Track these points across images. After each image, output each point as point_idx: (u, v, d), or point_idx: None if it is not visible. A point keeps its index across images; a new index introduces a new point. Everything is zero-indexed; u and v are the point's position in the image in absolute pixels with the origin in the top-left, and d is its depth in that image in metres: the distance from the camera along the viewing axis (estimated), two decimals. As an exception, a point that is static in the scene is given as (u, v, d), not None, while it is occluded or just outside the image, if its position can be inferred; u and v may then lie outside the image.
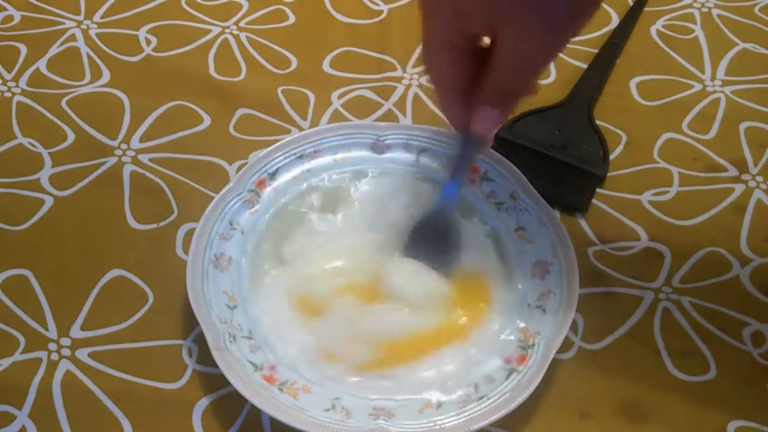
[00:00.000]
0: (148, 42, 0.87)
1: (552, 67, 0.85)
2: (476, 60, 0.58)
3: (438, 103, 0.63)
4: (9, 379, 0.63)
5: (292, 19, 0.91)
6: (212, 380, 0.63)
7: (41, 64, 0.85)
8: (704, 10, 0.92)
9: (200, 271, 0.65)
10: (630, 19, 0.89)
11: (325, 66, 0.86)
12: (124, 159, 0.77)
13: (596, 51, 0.86)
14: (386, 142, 0.74)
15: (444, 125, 0.78)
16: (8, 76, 0.83)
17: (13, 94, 0.82)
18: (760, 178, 0.76)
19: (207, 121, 0.80)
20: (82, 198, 0.74)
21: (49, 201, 0.73)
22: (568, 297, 0.64)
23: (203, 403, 0.62)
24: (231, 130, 0.79)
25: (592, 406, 0.63)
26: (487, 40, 0.57)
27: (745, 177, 0.76)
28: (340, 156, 0.74)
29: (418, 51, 0.87)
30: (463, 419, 0.59)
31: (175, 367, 0.64)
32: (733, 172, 0.77)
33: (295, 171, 0.73)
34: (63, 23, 0.89)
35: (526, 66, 0.56)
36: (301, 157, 0.73)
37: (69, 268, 0.70)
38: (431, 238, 0.68)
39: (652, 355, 0.65)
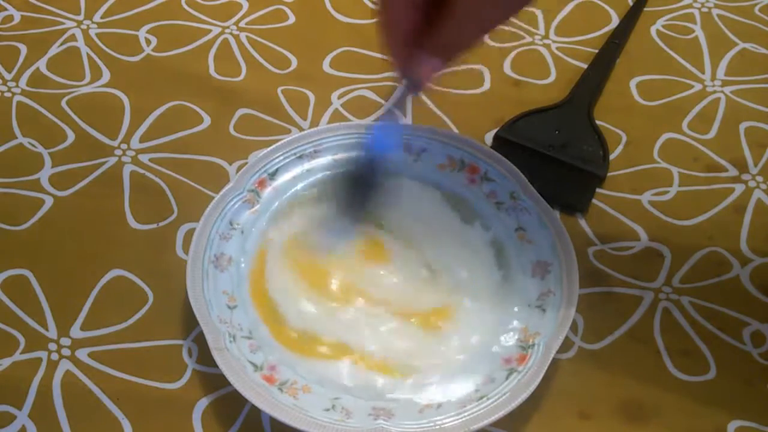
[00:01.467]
0: (148, 42, 0.87)
1: (552, 66, 0.85)
2: (426, 9, 0.58)
3: (384, 46, 0.63)
4: (9, 379, 0.63)
5: (292, 19, 0.91)
6: (212, 380, 0.63)
7: (41, 64, 0.85)
8: (704, 10, 0.92)
9: (200, 271, 0.65)
10: (630, 19, 0.89)
11: (325, 66, 0.86)
12: (124, 159, 0.77)
13: (596, 51, 0.86)
14: (386, 142, 0.74)
15: (443, 126, 0.79)
16: (8, 76, 0.83)
17: (13, 94, 0.82)
18: (760, 178, 0.76)
19: (207, 121, 0.80)
20: (82, 198, 0.74)
21: (49, 201, 0.73)
22: (568, 297, 0.64)
23: (203, 403, 0.62)
24: (231, 130, 0.79)
25: (592, 406, 0.63)
26: None
27: (745, 177, 0.76)
28: (339, 156, 0.74)
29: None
30: (463, 419, 0.59)
31: (175, 367, 0.64)
32: (733, 172, 0.77)
33: (295, 171, 0.73)
34: (63, 23, 0.89)
35: (478, 24, 0.57)
36: (301, 157, 0.73)
37: (69, 268, 0.70)
38: (361, 191, 0.68)
39: (652, 355, 0.65)
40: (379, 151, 0.67)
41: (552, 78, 0.85)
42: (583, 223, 0.73)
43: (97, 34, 0.88)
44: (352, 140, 0.74)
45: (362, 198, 0.68)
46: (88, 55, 0.86)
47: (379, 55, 0.87)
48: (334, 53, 0.87)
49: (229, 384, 0.60)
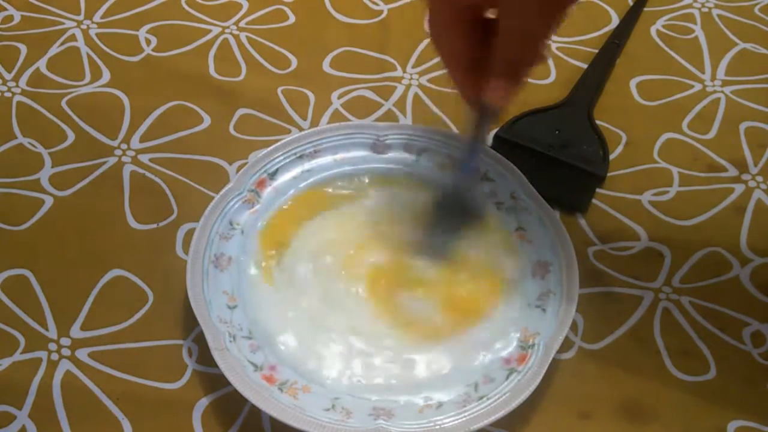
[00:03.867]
0: (148, 42, 0.87)
1: (552, 66, 0.85)
2: (483, 32, 0.59)
3: (451, 79, 0.63)
4: (9, 379, 0.63)
5: (292, 19, 0.91)
6: (212, 380, 0.63)
7: (41, 64, 0.85)
8: (704, 10, 0.92)
9: (200, 271, 0.65)
10: (630, 19, 0.89)
11: (325, 66, 0.86)
12: (124, 159, 0.77)
13: (596, 51, 0.86)
14: (386, 142, 0.74)
15: (444, 126, 0.79)
16: (8, 76, 0.83)
17: (13, 94, 0.82)
18: (760, 178, 0.76)
19: (207, 121, 0.80)
20: (82, 198, 0.74)
21: (49, 201, 0.73)
22: (568, 297, 0.64)
23: (203, 403, 0.62)
24: (231, 130, 0.79)
25: (592, 406, 0.63)
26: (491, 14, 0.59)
27: (745, 177, 0.76)
28: (340, 156, 0.74)
29: (418, 51, 0.87)
30: (463, 419, 0.59)
31: (175, 367, 0.64)
32: (733, 172, 0.77)
33: (295, 171, 0.73)
34: (63, 23, 0.89)
35: (526, 34, 0.57)
36: (301, 157, 0.73)
37: (69, 268, 0.69)
38: (452, 213, 0.70)
39: (652, 355, 0.65)
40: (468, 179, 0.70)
41: (552, 78, 0.85)
42: (583, 223, 0.73)
43: (97, 34, 0.88)
44: (352, 140, 0.74)
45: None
46: (88, 55, 0.86)
47: (379, 55, 0.87)
48: (334, 53, 0.87)
49: (229, 384, 0.60)
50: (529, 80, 0.79)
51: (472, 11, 0.58)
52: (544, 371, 0.60)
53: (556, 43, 0.88)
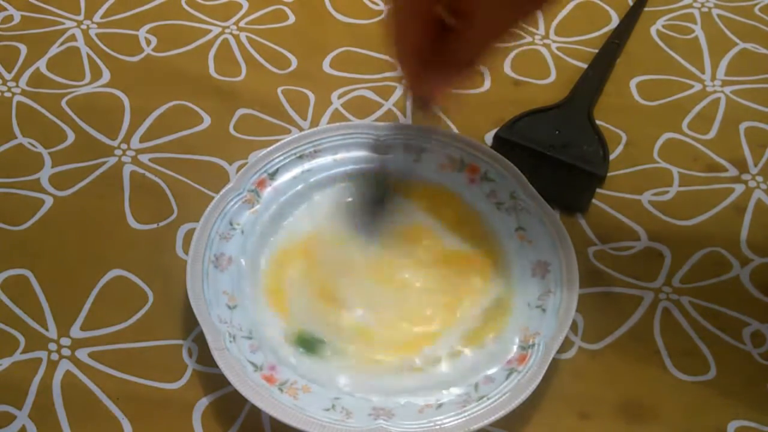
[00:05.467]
0: (148, 42, 0.87)
1: (552, 66, 0.85)
2: (437, 29, 0.59)
3: (398, 67, 0.64)
4: (9, 379, 0.63)
5: (292, 19, 0.91)
6: (212, 380, 0.63)
7: (41, 64, 0.85)
8: (704, 10, 0.92)
9: (200, 271, 0.65)
10: (630, 19, 0.89)
11: (325, 66, 0.86)
12: (124, 159, 0.77)
13: (596, 51, 0.86)
14: (386, 142, 0.74)
15: (444, 125, 0.79)
16: (8, 76, 0.83)
17: (13, 94, 0.82)
18: (760, 178, 0.76)
19: (207, 121, 0.80)
20: (82, 198, 0.74)
21: (49, 201, 0.73)
22: (568, 297, 0.64)
23: (203, 403, 0.62)
24: (231, 129, 0.79)
25: (592, 406, 0.63)
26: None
27: (745, 177, 0.76)
28: (339, 156, 0.74)
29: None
30: (463, 419, 0.59)
31: (175, 367, 0.64)
32: (733, 172, 0.77)
33: (295, 171, 0.73)
34: (63, 23, 0.89)
35: (488, 36, 0.58)
36: (301, 157, 0.73)
37: (69, 268, 0.70)
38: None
39: (652, 355, 0.65)
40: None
41: (552, 78, 0.85)
42: (583, 223, 0.73)
43: (97, 34, 0.88)
44: (352, 140, 0.74)
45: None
46: (88, 55, 0.86)
47: (379, 55, 0.87)
48: (334, 53, 0.87)
49: (229, 384, 0.60)
50: (530, 80, 0.80)
51: (433, 12, 0.58)
52: (544, 371, 0.60)
53: (556, 43, 0.88)
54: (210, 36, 0.88)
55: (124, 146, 0.77)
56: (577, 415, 0.62)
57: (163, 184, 0.75)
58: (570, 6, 0.92)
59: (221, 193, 0.69)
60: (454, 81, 0.62)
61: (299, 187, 0.72)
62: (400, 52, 0.62)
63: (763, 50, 0.88)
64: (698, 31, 0.90)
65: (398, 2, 0.59)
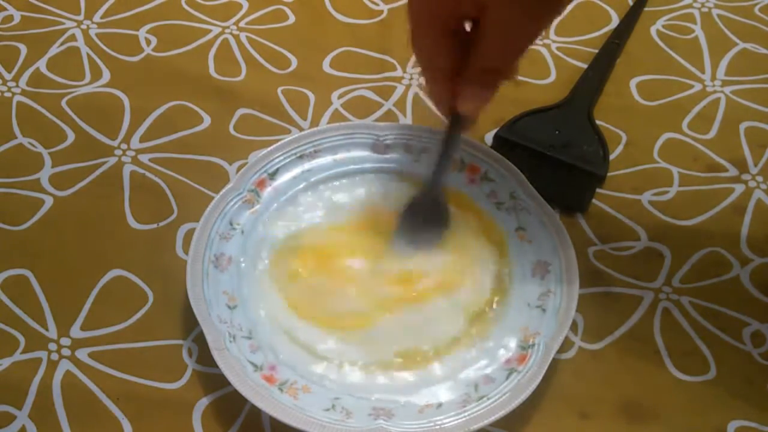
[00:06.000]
0: (148, 42, 0.87)
1: (552, 66, 0.85)
2: (462, 42, 0.60)
3: (425, 85, 0.64)
4: (9, 379, 0.63)
5: (292, 19, 0.91)
6: (212, 380, 0.63)
7: (41, 64, 0.85)
8: (704, 10, 0.92)
9: (200, 271, 0.65)
10: (630, 19, 0.89)
11: (325, 66, 0.86)
12: (124, 159, 0.77)
13: (596, 51, 0.86)
14: (386, 142, 0.74)
15: (444, 125, 0.79)
16: (8, 76, 0.83)
17: (13, 94, 0.82)
18: (760, 178, 0.76)
19: (207, 121, 0.80)
20: (82, 198, 0.74)
21: (49, 201, 0.73)
22: (568, 297, 0.65)
23: (203, 403, 0.62)
24: (231, 129, 0.79)
25: (592, 406, 0.63)
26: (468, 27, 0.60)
27: (745, 177, 0.76)
28: (340, 156, 0.74)
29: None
30: (463, 419, 0.59)
31: (175, 367, 0.64)
32: (733, 172, 0.77)
33: (295, 171, 0.73)
34: (63, 23, 0.89)
35: (510, 42, 0.59)
36: (301, 157, 0.73)
37: (69, 268, 0.70)
38: (422, 219, 0.70)
39: (652, 355, 0.65)
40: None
41: (552, 78, 0.85)
42: (583, 223, 0.73)
43: (97, 34, 0.88)
44: (352, 140, 0.74)
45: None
46: (88, 55, 0.86)
47: (379, 55, 0.87)
48: (334, 53, 0.87)
49: (229, 384, 0.60)
50: (530, 80, 0.80)
51: (456, 20, 0.59)
52: (544, 371, 0.60)
53: (556, 43, 0.88)
54: (210, 36, 0.88)
55: (124, 146, 0.77)
56: (577, 415, 0.62)
57: (163, 184, 0.75)
58: (570, 6, 0.92)
59: (221, 193, 0.69)
60: (484, 94, 0.62)
61: (299, 186, 0.72)
62: (426, 69, 0.63)
63: (763, 50, 0.88)
64: (698, 31, 0.90)
65: (417, 18, 0.60)
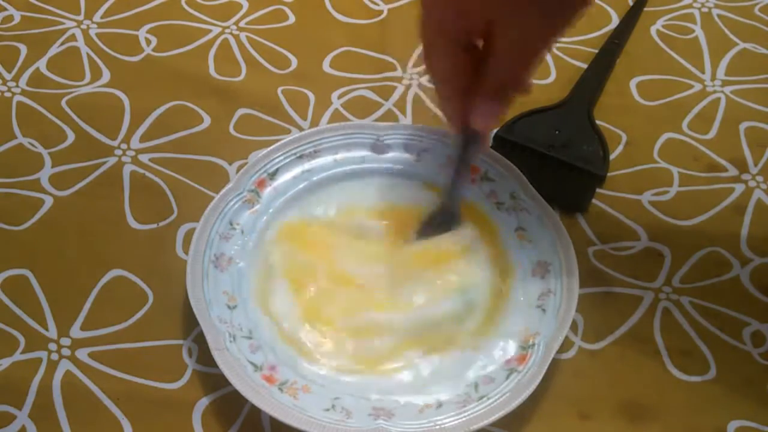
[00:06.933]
0: (148, 42, 0.87)
1: (552, 66, 0.85)
2: (474, 59, 0.60)
3: (438, 102, 0.65)
4: (9, 379, 0.63)
5: (292, 19, 0.91)
6: (212, 380, 0.63)
7: (41, 64, 0.85)
8: (704, 10, 0.92)
9: (200, 271, 0.65)
10: (630, 19, 0.89)
11: (325, 66, 0.86)
12: (124, 159, 0.77)
13: (596, 51, 0.86)
14: (386, 142, 0.74)
15: (444, 125, 0.78)
16: (8, 76, 0.83)
17: (13, 94, 0.82)
18: (760, 178, 0.76)
19: (207, 121, 0.80)
20: (82, 198, 0.74)
21: (49, 201, 0.73)
22: (568, 297, 0.65)
23: (203, 402, 0.62)
24: (231, 129, 0.79)
25: (592, 406, 0.63)
26: (480, 42, 0.60)
27: (745, 177, 0.76)
28: (340, 156, 0.74)
29: (418, 51, 0.87)
30: (463, 419, 0.59)
31: (175, 367, 0.64)
32: (733, 172, 0.77)
33: (295, 171, 0.73)
34: (63, 23, 0.89)
35: (522, 57, 0.60)
36: (301, 157, 0.73)
37: (69, 268, 0.70)
38: (440, 228, 0.69)
39: (652, 354, 0.65)
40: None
41: (552, 78, 0.85)
42: (583, 222, 0.73)
43: (97, 34, 0.88)
44: (352, 140, 0.74)
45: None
46: (88, 55, 0.86)
47: (379, 55, 0.87)
48: (334, 53, 0.87)
49: (229, 384, 0.60)
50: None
51: (467, 36, 0.59)
52: (544, 371, 0.60)
53: (556, 43, 0.88)
54: (210, 36, 0.88)
55: (124, 146, 0.77)
56: (576, 415, 0.62)
57: (163, 184, 0.75)
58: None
59: (221, 193, 0.69)
60: (497, 110, 0.63)
61: (299, 186, 0.72)
62: (439, 86, 0.64)
63: (763, 50, 0.88)
64: (698, 31, 0.90)
65: (428, 34, 0.60)
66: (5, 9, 0.90)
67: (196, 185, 0.75)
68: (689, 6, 0.92)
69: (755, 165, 0.77)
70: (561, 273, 0.66)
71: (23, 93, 0.82)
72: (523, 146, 0.76)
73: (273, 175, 0.72)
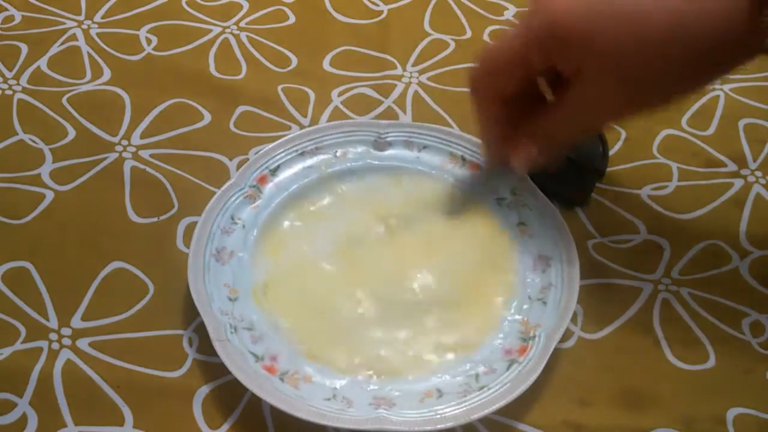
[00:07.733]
0: (149, 41, 0.88)
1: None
2: (527, 103, 0.62)
3: (481, 139, 0.69)
4: (9, 368, 0.63)
5: (292, 19, 0.91)
6: (212, 369, 0.63)
7: (42, 63, 0.85)
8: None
9: (201, 264, 0.66)
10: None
11: (325, 64, 0.86)
12: (124, 155, 0.77)
13: (595, 50, 0.86)
14: (387, 139, 0.75)
15: (444, 123, 0.79)
16: (9, 75, 0.84)
17: (14, 92, 0.82)
18: (759, 173, 0.76)
19: (207, 117, 0.80)
20: (83, 192, 0.74)
21: (49, 195, 0.73)
22: (568, 290, 0.65)
23: (203, 391, 0.62)
24: (231, 126, 0.80)
25: (592, 395, 0.63)
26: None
27: (744, 172, 0.77)
28: (341, 153, 0.74)
29: (418, 49, 0.88)
30: (464, 408, 0.59)
31: (175, 357, 0.64)
32: (732, 167, 0.77)
33: (297, 167, 0.73)
34: (64, 23, 0.89)
35: (585, 122, 0.60)
36: (302, 154, 0.74)
37: (69, 260, 0.70)
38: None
39: (651, 344, 0.65)
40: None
41: (551, 77, 0.85)
42: (582, 216, 0.73)
43: (97, 34, 0.88)
44: (353, 137, 0.75)
45: None
46: (89, 54, 0.86)
47: (379, 54, 0.87)
48: (334, 52, 0.87)
49: (229, 372, 0.60)
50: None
51: (519, 86, 0.61)
52: (544, 363, 0.60)
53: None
54: (210, 36, 0.89)
55: (124, 142, 0.78)
56: (577, 403, 0.62)
57: (163, 179, 0.75)
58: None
59: (223, 188, 0.70)
60: (539, 155, 0.64)
61: (301, 183, 0.73)
62: (484, 127, 0.65)
63: (761, 49, 0.88)
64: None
65: (477, 86, 0.61)
66: (6, 9, 0.91)
67: (196, 180, 0.75)
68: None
69: (754, 161, 0.78)
70: (561, 267, 0.66)
71: (24, 91, 0.82)
72: (524, 142, 0.76)
73: (274, 171, 0.73)
